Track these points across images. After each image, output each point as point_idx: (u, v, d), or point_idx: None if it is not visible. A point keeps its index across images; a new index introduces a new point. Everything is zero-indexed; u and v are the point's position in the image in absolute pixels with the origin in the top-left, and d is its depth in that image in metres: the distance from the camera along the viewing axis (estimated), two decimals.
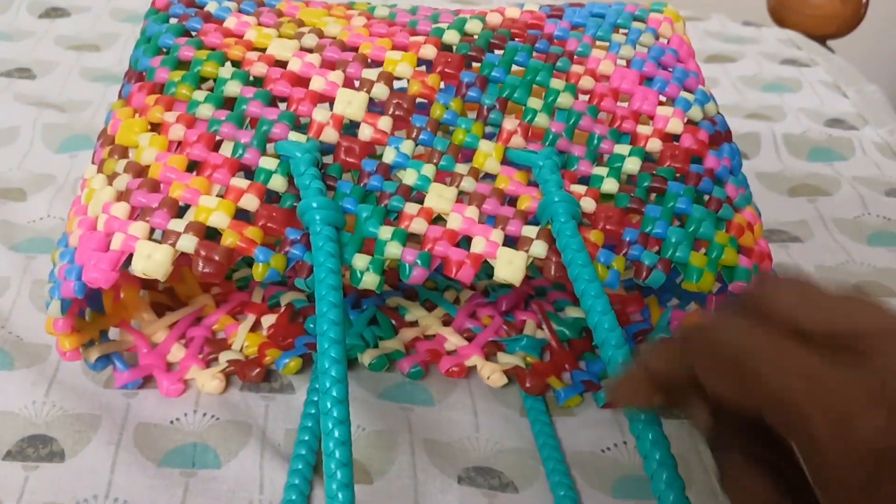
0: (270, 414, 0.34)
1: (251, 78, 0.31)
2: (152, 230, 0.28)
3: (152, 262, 0.28)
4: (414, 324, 0.39)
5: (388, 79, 0.31)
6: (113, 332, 0.36)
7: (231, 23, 0.33)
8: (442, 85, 0.32)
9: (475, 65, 0.32)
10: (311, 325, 0.37)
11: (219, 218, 0.28)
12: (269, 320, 0.38)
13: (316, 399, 0.33)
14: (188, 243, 0.28)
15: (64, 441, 0.32)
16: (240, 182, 0.29)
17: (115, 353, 0.34)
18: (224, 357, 0.36)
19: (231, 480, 0.31)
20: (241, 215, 0.29)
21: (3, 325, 0.37)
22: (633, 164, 0.31)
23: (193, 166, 0.30)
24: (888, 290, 0.44)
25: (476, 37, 0.33)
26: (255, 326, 0.38)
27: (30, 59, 0.58)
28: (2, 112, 0.51)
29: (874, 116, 0.60)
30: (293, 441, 0.32)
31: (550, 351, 0.37)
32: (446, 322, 0.39)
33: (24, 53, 0.58)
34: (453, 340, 0.38)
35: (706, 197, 0.31)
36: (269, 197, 0.30)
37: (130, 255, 0.28)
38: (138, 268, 0.28)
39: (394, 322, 0.38)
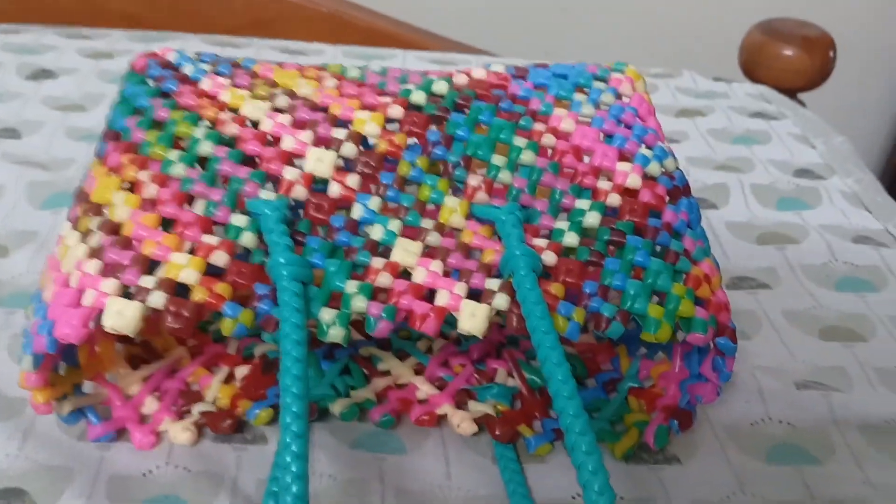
0: (243, 465, 0.34)
1: (224, 138, 0.32)
2: (124, 287, 0.29)
3: (123, 318, 0.28)
4: (386, 373, 0.39)
5: (357, 138, 0.33)
6: (88, 386, 0.36)
7: (206, 84, 0.34)
8: (409, 143, 0.33)
9: (441, 124, 0.34)
10: None
11: (188, 274, 0.29)
12: (242, 371, 0.38)
13: None
14: (158, 299, 0.29)
15: (36, 494, 0.32)
16: (210, 239, 0.30)
17: (88, 407, 0.35)
18: (196, 409, 0.36)
19: None
20: (216, 272, 0.30)
21: None
22: (593, 219, 0.32)
23: (167, 224, 0.31)
24: (857, 335, 0.45)
25: (442, 97, 0.34)
26: (229, 378, 0.38)
27: (16, 119, 0.59)
28: None
29: (841, 167, 0.62)
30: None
31: (521, 399, 0.38)
32: (419, 371, 0.39)
33: (11, 114, 0.59)
34: (425, 389, 0.38)
35: (664, 250, 0.32)
36: (242, 254, 0.31)
37: (102, 311, 0.29)
38: (108, 324, 0.28)
39: (366, 371, 0.39)
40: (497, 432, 0.36)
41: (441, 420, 0.37)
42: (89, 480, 0.33)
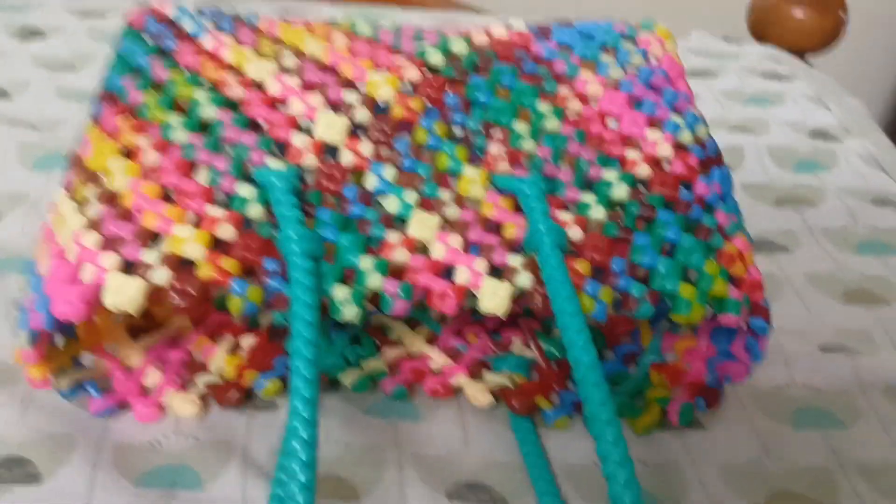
0: (253, 433, 0.33)
1: (227, 101, 0.30)
2: (125, 261, 0.28)
3: (124, 295, 0.27)
4: (398, 342, 0.38)
5: (370, 102, 0.30)
6: (87, 358, 0.35)
7: (207, 41, 0.32)
8: (425, 108, 0.31)
9: (460, 88, 0.32)
10: None
11: (193, 249, 0.27)
12: (248, 341, 0.37)
13: None
14: (161, 276, 0.27)
15: (39, 462, 0.31)
16: (215, 211, 0.28)
17: (88, 380, 0.33)
18: (201, 380, 0.35)
19: (212, 502, 0.30)
20: (219, 243, 0.28)
21: None
22: (621, 191, 0.31)
23: (168, 194, 0.29)
24: (880, 298, 0.44)
25: (461, 58, 0.32)
26: (235, 348, 0.37)
27: (4, 79, 0.56)
28: None
29: (857, 128, 0.60)
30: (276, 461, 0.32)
31: (538, 370, 0.37)
32: (431, 340, 0.38)
33: None
34: (438, 359, 0.37)
35: (696, 225, 0.31)
36: (247, 225, 0.29)
37: (101, 288, 0.27)
38: (109, 302, 0.27)
39: (377, 341, 0.37)
40: (514, 404, 0.34)
41: (456, 392, 0.36)
42: (94, 448, 0.32)
